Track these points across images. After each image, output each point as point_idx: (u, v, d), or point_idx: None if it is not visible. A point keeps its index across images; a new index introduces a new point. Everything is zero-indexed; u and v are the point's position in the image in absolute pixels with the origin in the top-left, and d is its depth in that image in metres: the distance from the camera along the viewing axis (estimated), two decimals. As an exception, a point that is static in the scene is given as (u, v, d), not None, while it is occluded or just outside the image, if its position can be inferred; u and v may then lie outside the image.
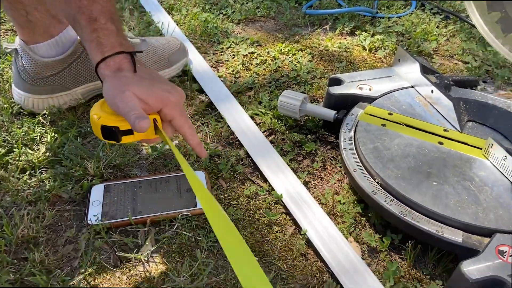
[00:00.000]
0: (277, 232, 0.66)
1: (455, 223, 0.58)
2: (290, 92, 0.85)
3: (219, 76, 1.01)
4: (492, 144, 0.66)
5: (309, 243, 0.64)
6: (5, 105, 0.83)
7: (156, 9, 1.28)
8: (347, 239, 0.63)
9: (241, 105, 0.90)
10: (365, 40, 1.18)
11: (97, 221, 0.62)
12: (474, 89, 0.91)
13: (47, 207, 0.65)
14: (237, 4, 1.36)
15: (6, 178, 0.68)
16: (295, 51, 1.13)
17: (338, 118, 0.80)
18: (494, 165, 0.66)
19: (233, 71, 1.04)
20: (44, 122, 0.81)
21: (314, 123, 0.87)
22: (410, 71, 0.85)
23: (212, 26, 1.20)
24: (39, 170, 0.71)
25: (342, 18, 1.29)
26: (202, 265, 0.59)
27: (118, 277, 0.57)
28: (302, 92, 0.95)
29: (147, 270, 0.59)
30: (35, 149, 0.75)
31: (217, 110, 0.89)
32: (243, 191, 0.72)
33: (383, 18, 1.30)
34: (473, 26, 1.22)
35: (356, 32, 1.23)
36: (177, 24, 1.21)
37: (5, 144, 0.75)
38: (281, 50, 1.13)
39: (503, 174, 0.64)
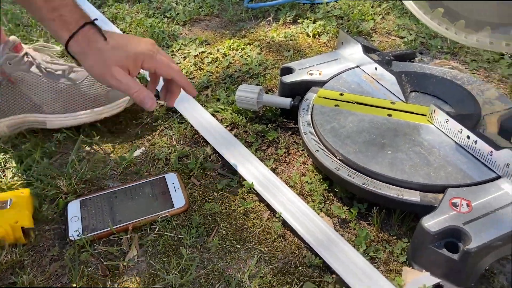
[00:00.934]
0: (254, 219, 0.70)
1: (412, 185, 0.64)
2: (245, 86, 0.88)
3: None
4: (435, 110, 0.73)
5: (285, 224, 0.68)
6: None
7: (101, 22, 1.26)
8: (318, 214, 0.68)
9: (201, 104, 0.93)
10: (308, 27, 1.23)
11: (79, 235, 0.63)
12: (413, 61, 0.99)
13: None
14: (180, 6, 1.37)
15: (-24, 209, 0.67)
16: (244, 45, 1.16)
17: (294, 104, 0.85)
18: (438, 129, 0.73)
19: (186, 72, 1.06)
20: (6, 147, 0.80)
21: (273, 112, 0.91)
22: (354, 52, 0.91)
23: (159, 30, 1.21)
24: (9, 196, 0.71)
25: (283, 8, 1.34)
26: (188, 260, 0.62)
27: (110, 286, 0.59)
28: (256, 85, 0.99)
29: (137, 274, 0.61)
30: (1, 175, 0.75)
31: (178, 112, 0.91)
32: (215, 185, 0.75)
33: (321, 3, 1.36)
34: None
35: (298, 21, 1.28)
36: (123, 33, 1.20)
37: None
38: (230, 46, 1.16)
39: (447, 135, 0.72)
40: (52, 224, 0.67)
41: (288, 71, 0.91)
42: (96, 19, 0.61)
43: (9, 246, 0.61)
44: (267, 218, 0.70)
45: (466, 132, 0.68)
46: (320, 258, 0.62)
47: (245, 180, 0.75)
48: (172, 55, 1.13)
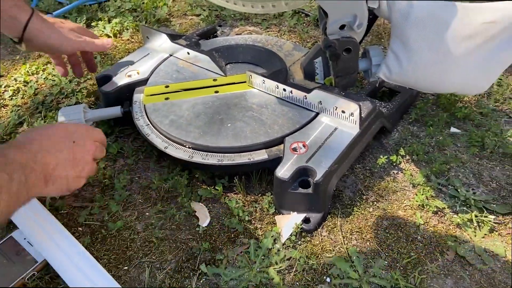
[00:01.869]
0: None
1: (258, 146, 0.72)
2: (66, 109, 0.83)
3: (-24, 127, 0.89)
4: (251, 75, 0.82)
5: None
6: None
7: None
8: (189, 202, 0.71)
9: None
10: (105, 28, 1.19)
11: None
12: (216, 36, 1.06)
13: None
14: None
15: None
16: (43, 66, 1.07)
17: (126, 110, 0.83)
18: (259, 90, 0.82)
19: (-12, 115, 0.93)
20: None
21: (106, 125, 0.88)
22: (161, 43, 0.93)
23: None
24: None
25: (71, 15, 1.26)
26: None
27: None
28: (77, 103, 0.94)
29: None
30: None
31: None
32: (77, 219, 0.71)
33: (108, 1, 1.32)
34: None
35: (92, 24, 1.22)
36: None
37: None
38: (27, 71, 1.05)
39: (268, 93, 0.81)
40: None
41: (106, 79, 0.88)
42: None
43: None
44: (144, 228, 0.70)
45: (281, 86, 0.78)
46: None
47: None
48: (-40, 101, 0.97)
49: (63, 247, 0.63)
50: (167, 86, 0.85)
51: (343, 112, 0.73)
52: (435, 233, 0.67)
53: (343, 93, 0.76)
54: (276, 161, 0.70)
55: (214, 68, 0.87)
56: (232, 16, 1.23)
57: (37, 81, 1.02)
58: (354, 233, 0.68)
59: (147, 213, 0.72)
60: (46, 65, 1.07)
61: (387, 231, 0.68)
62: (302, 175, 0.68)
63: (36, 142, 0.57)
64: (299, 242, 0.66)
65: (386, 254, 0.64)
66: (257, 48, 0.91)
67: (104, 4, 1.31)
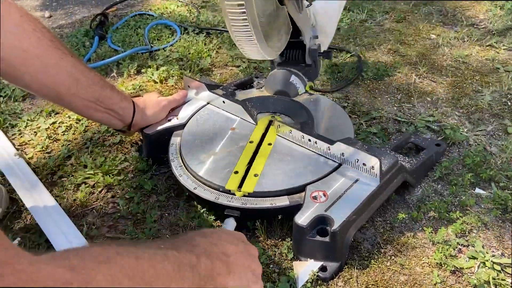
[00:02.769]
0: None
1: (280, 192, 0.76)
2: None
3: (30, 158, 0.99)
4: (279, 125, 0.87)
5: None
6: None
7: None
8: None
9: (67, 176, 0.92)
10: (153, 74, 1.30)
11: None
12: (252, 86, 1.14)
13: None
14: (13, 80, 1.31)
15: None
16: (95, 106, 1.17)
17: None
18: (287, 139, 0.87)
19: (42, 148, 1.03)
20: None
21: (145, 163, 0.95)
22: (201, 92, 1.01)
23: (-3, 112, 1.15)
24: None
25: (124, 62, 1.39)
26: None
27: None
28: (121, 142, 1.02)
29: None
30: None
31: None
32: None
33: (158, 50, 1.45)
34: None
35: (142, 70, 1.34)
36: None
37: None
38: (81, 110, 1.16)
39: (295, 143, 0.86)
40: None
41: (148, 122, 0.96)
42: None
43: None
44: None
45: (307, 136, 0.83)
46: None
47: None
48: (20, 133, 1.09)
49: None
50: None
51: (364, 165, 0.76)
52: (452, 293, 0.66)
53: (366, 147, 0.79)
54: (297, 208, 0.73)
55: (246, 116, 0.94)
56: (269, 68, 1.31)
57: (88, 120, 1.12)
58: (370, 285, 0.69)
59: (172, 249, 0.77)
60: (97, 105, 1.18)
61: (403, 286, 0.68)
62: (320, 223, 0.71)
63: (215, 235, 0.58)
64: (314, 289, 0.68)
65: (400, 309, 0.65)
66: (287, 100, 0.97)
67: (154, 53, 1.44)
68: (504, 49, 1.31)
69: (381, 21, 1.55)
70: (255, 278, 0.57)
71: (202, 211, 0.83)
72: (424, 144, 0.93)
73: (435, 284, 0.68)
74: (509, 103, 1.07)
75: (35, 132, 1.09)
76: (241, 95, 1.03)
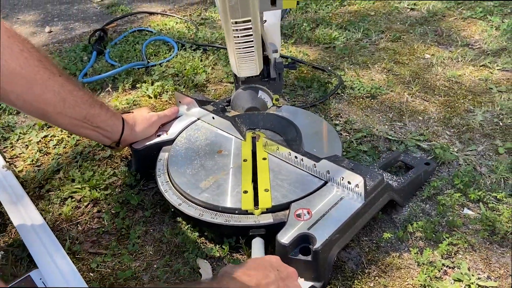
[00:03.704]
0: (136, 285, 0.72)
1: (264, 210, 0.75)
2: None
3: (19, 171, 0.99)
4: (266, 142, 0.87)
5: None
6: None
7: None
8: (196, 260, 0.74)
9: (54, 190, 0.92)
10: (147, 89, 1.31)
11: None
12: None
13: None
14: (9, 94, 1.32)
15: None
16: (88, 120, 1.18)
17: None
18: (274, 156, 0.87)
19: (32, 161, 1.03)
20: None
21: (133, 178, 0.95)
22: (191, 107, 1.01)
23: (-10, 124, 1.15)
24: None
25: (120, 76, 1.40)
26: None
27: None
28: (110, 156, 1.02)
29: None
30: None
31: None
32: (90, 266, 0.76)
33: (155, 66, 1.46)
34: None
35: (137, 85, 1.35)
36: None
37: None
38: (73, 124, 1.16)
39: (281, 159, 0.86)
40: None
41: (137, 137, 0.97)
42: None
43: None
44: (149, 280, 0.73)
45: (293, 153, 0.83)
46: None
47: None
48: (11, 146, 1.09)
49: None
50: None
51: (349, 183, 0.75)
52: (436, 316, 0.65)
53: (352, 164, 0.79)
54: (281, 225, 0.73)
55: (235, 132, 0.94)
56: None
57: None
58: (353, 306, 0.68)
59: (155, 265, 0.76)
60: (90, 119, 1.18)
61: (386, 308, 0.67)
62: (303, 242, 0.70)
63: (242, 275, 0.59)
64: (295, 309, 0.67)
65: (382, 332, 0.63)
66: (275, 116, 0.97)
67: (151, 68, 1.45)
68: (497, 69, 1.31)
69: (377, 40, 1.56)
70: None
71: (186, 227, 0.82)
72: (413, 163, 0.92)
73: (418, 307, 0.66)
74: (501, 124, 1.07)
75: (26, 145, 1.09)
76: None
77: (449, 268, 0.72)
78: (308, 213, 0.73)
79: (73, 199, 0.90)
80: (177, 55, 1.53)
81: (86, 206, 0.89)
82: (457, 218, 0.81)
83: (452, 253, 0.74)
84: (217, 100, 1.11)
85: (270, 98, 1.02)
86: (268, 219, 0.74)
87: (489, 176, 0.90)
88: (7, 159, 1.04)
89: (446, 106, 1.16)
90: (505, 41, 1.46)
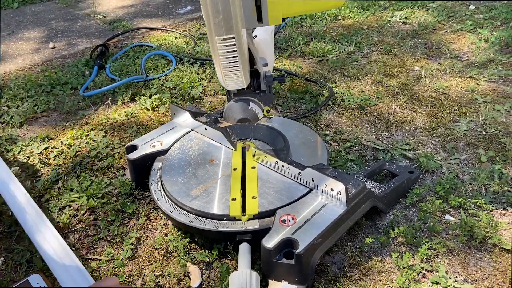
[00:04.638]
0: None
1: (251, 216, 0.79)
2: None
3: (21, 181, 1.03)
4: (255, 151, 0.91)
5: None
6: None
7: None
8: (185, 265, 0.78)
9: (53, 199, 0.96)
10: (146, 102, 1.36)
11: None
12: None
13: None
14: (12, 108, 1.37)
15: None
16: (87, 132, 1.23)
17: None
18: (262, 165, 0.91)
19: (32, 172, 1.08)
20: None
21: (128, 187, 0.99)
22: (185, 119, 1.06)
23: (-6, 137, 1.20)
24: None
25: (119, 90, 1.45)
26: None
27: None
28: (108, 166, 1.06)
29: None
30: None
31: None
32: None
33: (153, 79, 1.52)
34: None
35: (136, 98, 1.40)
36: None
37: None
38: (73, 136, 1.21)
39: (269, 168, 0.89)
40: None
41: (133, 148, 1.01)
42: None
43: None
44: (141, 283, 0.77)
45: (280, 162, 0.87)
46: None
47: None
48: (14, 158, 1.14)
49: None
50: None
51: (331, 190, 0.79)
52: (413, 317, 0.68)
53: (336, 172, 0.82)
54: (266, 231, 0.76)
55: (226, 143, 0.98)
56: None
57: (79, 145, 1.17)
58: (335, 308, 0.70)
59: (146, 270, 0.80)
60: (90, 131, 1.23)
61: (366, 309, 0.70)
62: (287, 246, 0.73)
63: None
64: (279, 311, 0.70)
65: (360, 332, 0.66)
66: (265, 127, 1.01)
67: (149, 82, 1.50)
68: (484, 80, 1.35)
69: (368, 53, 1.61)
70: None
71: (178, 234, 0.86)
72: (398, 171, 0.96)
73: (397, 308, 0.69)
74: (484, 133, 1.10)
75: (28, 157, 1.14)
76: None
77: (428, 271, 0.75)
78: (293, 219, 0.77)
79: (70, 208, 0.94)
80: (175, 69, 1.58)
81: (83, 214, 0.93)
82: (438, 224, 0.84)
83: (431, 257, 0.77)
84: (211, 112, 1.15)
85: (261, 110, 1.06)
86: (255, 225, 0.78)
87: (471, 184, 0.93)
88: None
89: (432, 116, 1.19)
90: (492, 53, 1.50)
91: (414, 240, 0.81)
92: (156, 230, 0.88)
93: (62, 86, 1.51)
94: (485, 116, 1.16)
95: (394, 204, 0.90)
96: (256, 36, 1.03)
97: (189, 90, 1.43)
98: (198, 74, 1.54)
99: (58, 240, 0.78)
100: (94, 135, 1.21)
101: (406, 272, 0.74)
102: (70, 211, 0.93)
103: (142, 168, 0.97)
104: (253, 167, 0.90)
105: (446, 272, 0.74)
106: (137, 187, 0.99)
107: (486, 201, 0.88)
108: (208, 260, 0.80)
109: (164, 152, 0.99)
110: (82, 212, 0.93)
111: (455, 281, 0.72)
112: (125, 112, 1.32)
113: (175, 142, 1.02)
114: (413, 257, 0.77)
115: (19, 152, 1.16)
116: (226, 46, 0.73)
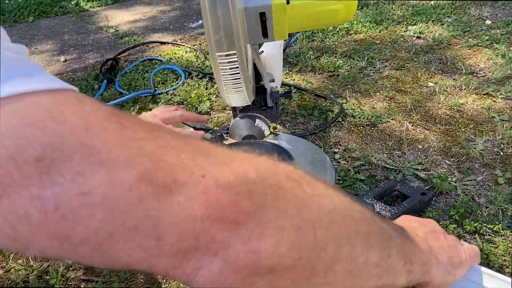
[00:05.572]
0: (124, 313, 0.73)
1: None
2: None
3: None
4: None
5: None
6: None
7: None
8: None
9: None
10: (152, 117, 1.34)
11: None
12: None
13: None
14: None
15: None
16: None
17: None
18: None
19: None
20: None
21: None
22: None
23: None
24: None
25: (127, 104, 1.44)
26: None
27: None
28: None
29: None
30: None
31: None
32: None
33: (161, 94, 1.50)
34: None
35: (143, 113, 1.38)
36: None
37: None
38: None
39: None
40: None
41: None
42: None
43: None
44: (137, 308, 0.74)
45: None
46: None
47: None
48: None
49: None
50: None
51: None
52: None
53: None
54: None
55: (230, 161, 0.95)
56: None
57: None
58: None
59: None
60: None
61: None
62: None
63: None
64: None
65: None
66: (270, 145, 0.98)
67: (157, 96, 1.49)
68: (501, 97, 1.30)
69: (380, 69, 1.57)
70: None
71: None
72: (409, 193, 0.91)
73: None
74: (501, 153, 1.05)
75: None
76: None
77: (441, 302, 0.70)
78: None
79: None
80: (183, 83, 1.57)
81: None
82: (452, 250, 0.79)
83: (445, 287, 0.72)
84: (217, 128, 1.13)
85: (268, 126, 1.03)
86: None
87: (487, 207, 0.88)
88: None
89: (447, 135, 1.15)
90: (510, 69, 1.45)
91: (426, 268, 0.76)
92: (156, 251, 0.85)
93: (71, 100, 1.50)
94: (503, 135, 1.11)
95: (405, 228, 0.86)
96: (263, 51, 1.01)
97: (197, 105, 1.42)
98: (206, 88, 1.53)
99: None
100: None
101: (417, 303, 0.69)
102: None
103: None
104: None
105: (461, 304, 0.69)
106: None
107: (503, 226, 0.83)
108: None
109: (167, 169, 0.96)
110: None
111: (470, 315, 0.67)
112: (131, 126, 1.31)
113: (179, 159, 0.99)
114: (424, 286, 0.73)
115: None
116: (228, 62, 0.71)
